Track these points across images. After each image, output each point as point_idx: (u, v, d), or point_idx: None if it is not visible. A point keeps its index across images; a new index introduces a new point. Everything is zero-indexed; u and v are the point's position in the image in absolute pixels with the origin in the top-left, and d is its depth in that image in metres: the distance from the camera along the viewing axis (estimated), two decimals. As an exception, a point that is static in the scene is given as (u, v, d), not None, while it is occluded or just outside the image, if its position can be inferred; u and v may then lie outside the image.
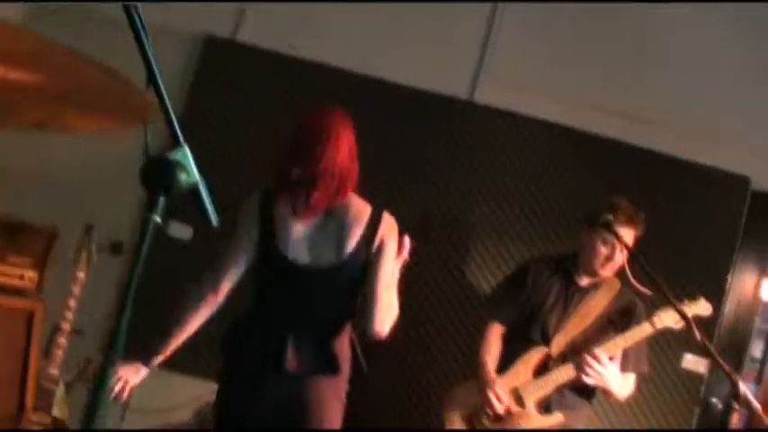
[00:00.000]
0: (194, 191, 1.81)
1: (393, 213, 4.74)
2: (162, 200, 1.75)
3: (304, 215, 3.09)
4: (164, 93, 1.77)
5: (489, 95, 4.97)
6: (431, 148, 4.91)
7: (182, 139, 1.78)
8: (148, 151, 1.77)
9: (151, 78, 1.77)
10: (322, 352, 3.13)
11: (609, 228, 3.69)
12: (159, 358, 3.17)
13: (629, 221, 3.77)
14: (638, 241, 3.86)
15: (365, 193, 4.76)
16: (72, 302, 4.16)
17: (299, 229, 3.10)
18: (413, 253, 3.21)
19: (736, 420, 3.01)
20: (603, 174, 4.80)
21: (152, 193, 1.75)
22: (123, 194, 4.27)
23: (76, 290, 4.18)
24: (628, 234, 3.74)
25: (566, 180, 4.87)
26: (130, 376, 3.10)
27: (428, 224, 4.85)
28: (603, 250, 3.80)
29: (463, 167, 4.88)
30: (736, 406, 2.99)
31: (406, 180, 4.89)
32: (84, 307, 4.23)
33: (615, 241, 3.72)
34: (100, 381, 1.83)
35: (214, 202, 1.85)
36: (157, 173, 1.75)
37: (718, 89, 4.97)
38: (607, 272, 3.84)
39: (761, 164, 4.87)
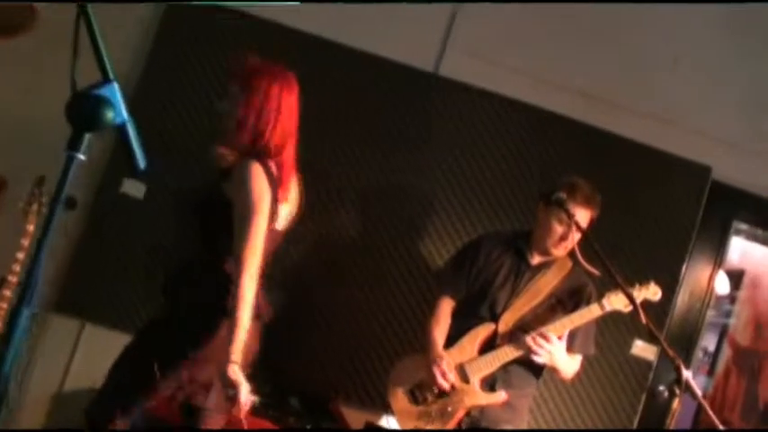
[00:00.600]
0: (121, 130, 1.75)
1: (347, 183, 4.78)
2: (87, 137, 1.69)
3: None
4: (94, 25, 1.70)
5: (454, 69, 4.91)
6: (391, 119, 4.85)
7: (111, 75, 1.72)
8: (75, 86, 1.71)
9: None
10: None
11: (563, 206, 3.66)
12: None
13: (585, 202, 3.75)
14: (593, 223, 3.84)
15: (319, 160, 4.78)
16: (20, 255, 4.08)
17: None
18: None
19: (676, 405, 2.99)
20: (564, 153, 4.78)
21: (76, 130, 1.69)
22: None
23: (25, 242, 4.10)
24: (583, 215, 3.72)
25: (525, 157, 4.83)
26: None
27: (382, 196, 4.81)
28: (558, 229, 3.78)
29: (423, 140, 4.83)
30: (678, 391, 2.98)
31: (363, 149, 4.84)
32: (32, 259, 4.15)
33: (570, 221, 3.69)
34: (12, 329, 1.74)
35: (143, 143, 1.79)
36: (83, 109, 1.69)
37: (685, 78, 4.94)
38: (560, 251, 3.82)
39: (723, 154, 4.86)
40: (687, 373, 2.95)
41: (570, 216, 3.64)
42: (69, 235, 4.75)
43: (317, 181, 4.77)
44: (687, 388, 2.95)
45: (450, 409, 3.75)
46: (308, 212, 4.73)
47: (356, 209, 4.81)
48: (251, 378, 4.34)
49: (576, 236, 3.73)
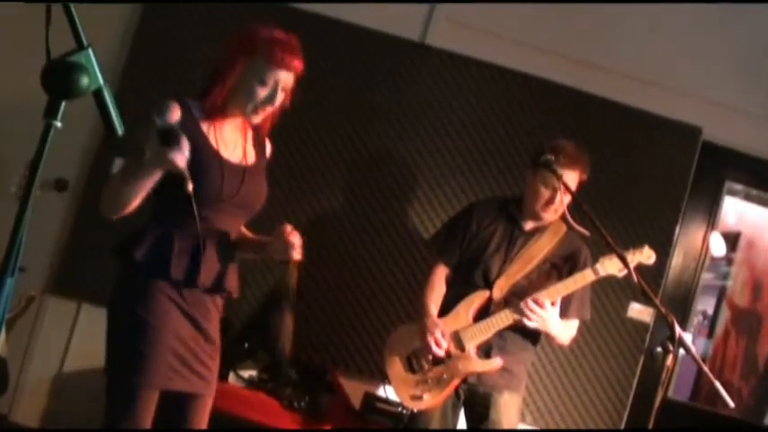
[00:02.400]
0: (98, 96, 1.75)
1: (331, 154, 4.79)
2: (62, 105, 1.69)
3: None
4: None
5: (440, 38, 4.92)
6: (378, 89, 4.87)
7: (85, 41, 1.72)
8: (49, 53, 1.71)
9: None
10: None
11: (549, 168, 3.65)
12: None
13: (572, 163, 3.74)
14: (583, 185, 3.84)
15: (306, 132, 4.80)
16: (15, 239, 4.08)
17: None
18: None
19: (671, 362, 3.01)
20: (553, 118, 4.79)
21: (52, 97, 1.70)
22: (69, 130, 4.18)
23: (19, 226, 4.09)
24: (570, 176, 3.72)
25: (513, 124, 4.85)
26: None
27: (373, 166, 4.84)
28: (544, 192, 3.78)
29: (411, 110, 4.85)
30: (671, 348, 3.00)
31: (350, 120, 4.86)
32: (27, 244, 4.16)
33: (556, 183, 3.68)
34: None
35: (120, 110, 1.80)
36: (58, 76, 1.70)
37: (672, 38, 4.94)
38: (549, 215, 3.82)
39: (714, 114, 4.87)
40: (681, 331, 2.97)
41: (558, 176, 3.64)
42: (63, 217, 4.78)
43: (303, 152, 4.81)
44: (681, 345, 2.97)
45: (446, 376, 3.77)
46: (296, 184, 4.80)
47: (346, 179, 4.83)
48: (247, 353, 4.41)
49: (564, 198, 3.73)
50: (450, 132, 4.84)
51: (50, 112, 1.69)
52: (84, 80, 1.70)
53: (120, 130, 1.80)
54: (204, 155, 2.79)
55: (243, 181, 2.90)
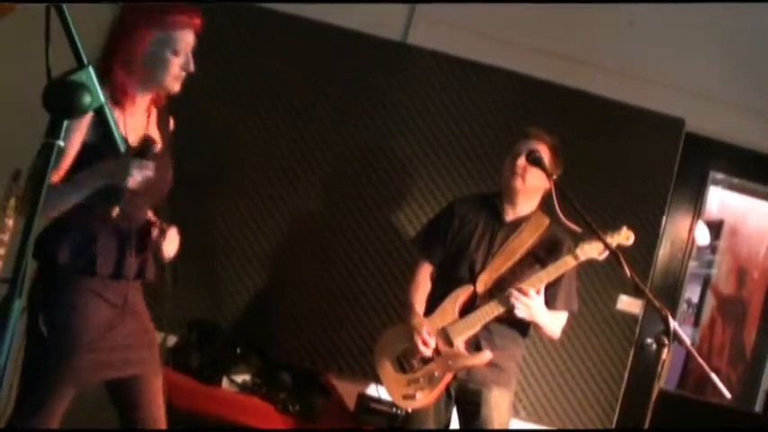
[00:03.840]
0: (99, 114, 1.77)
1: (317, 155, 4.81)
2: (65, 124, 1.70)
3: None
4: (65, 11, 1.72)
5: (422, 37, 4.95)
6: (360, 90, 4.89)
7: (85, 59, 1.74)
8: (50, 73, 1.72)
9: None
10: None
11: (514, 144, 3.87)
12: None
13: (536, 136, 3.89)
14: (555, 162, 3.86)
15: (290, 133, 4.82)
16: (1, 251, 4.07)
17: None
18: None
19: (666, 356, 3.04)
20: (538, 115, 4.81)
21: (54, 116, 1.71)
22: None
23: (5, 238, 4.09)
24: (537, 147, 3.81)
25: (497, 121, 4.88)
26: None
27: (357, 167, 4.86)
28: (509, 165, 3.88)
29: (394, 110, 4.88)
30: (667, 341, 3.03)
31: (333, 122, 4.88)
32: (14, 255, 4.14)
33: (518, 151, 3.84)
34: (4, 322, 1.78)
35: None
36: (59, 95, 1.71)
37: (652, 30, 4.99)
38: (517, 184, 3.84)
39: (696, 105, 4.92)
40: (674, 323, 3.01)
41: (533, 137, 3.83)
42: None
43: (286, 154, 4.82)
44: (675, 337, 3.00)
45: (437, 374, 3.80)
46: (281, 186, 4.81)
47: (331, 180, 4.86)
48: (240, 358, 4.41)
49: (535, 176, 3.79)
50: (435, 131, 4.87)
51: (52, 132, 1.71)
52: (86, 99, 1.72)
53: (122, 147, 1.82)
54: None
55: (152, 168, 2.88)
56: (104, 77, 2.78)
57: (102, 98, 1.75)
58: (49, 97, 1.72)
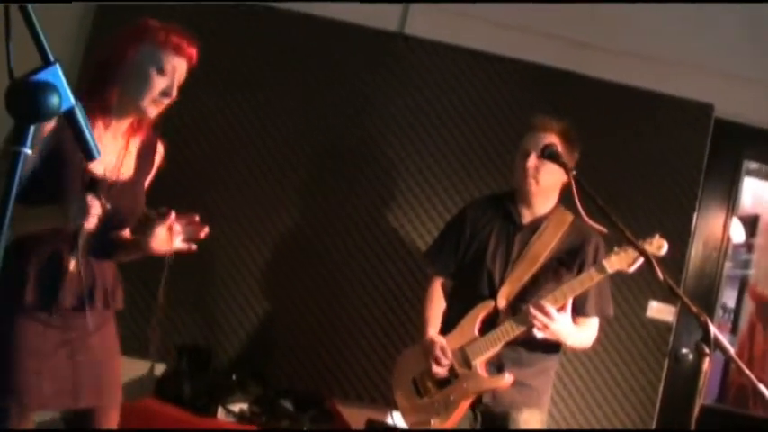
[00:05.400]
0: (70, 117, 1.72)
1: (314, 153, 4.78)
2: (31, 129, 1.65)
3: None
4: (29, 8, 1.67)
5: (419, 26, 4.92)
6: (358, 84, 4.88)
7: (51, 56, 1.68)
8: (13, 72, 1.67)
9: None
10: None
11: (522, 139, 3.80)
12: None
13: (540, 126, 3.80)
14: (570, 150, 3.77)
15: (287, 129, 4.78)
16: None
17: None
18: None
19: (707, 366, 2.97)
20: (550, 106, 4.74)
21: (20, 121, 1.66)
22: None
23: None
24: (542, 138, 3.72)
25: (505, 113, 4.86)
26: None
27: (353, 170, 4.85)
28: (521, 163, 3.79)
29: (393, 104, 4.87)
30: (707, 350, 2.95)
31: (330, 117, 4.87)
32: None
33: (526, 147, 3.76)
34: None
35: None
36: (24, 98, 1.66)
37: (674, 9, 4.92)
38: (531, 185, 3.76)
39: (725, 87, 4.87)
40: (715, 330, 2.93)
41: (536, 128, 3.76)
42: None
43: (277, 157, 4.79)
44: (717, 346, 2.93)
45: (453, 397, 3.74)
46: (273, 192, 4.79)
47: (330, 185, 4.84)
48: (236, 385, 4.38)
49: (539, 163, 3.71)
50: (437, 124, 4.85)
51: (18, 139, 1.65)
52: (54, 100, 1.66)
53: (96, 152, 1.77)
54: (77, 169, 2.77)
55: (121, 199, 2.90)
56: (88, 93, 2.83)
57: (73, 99, 1.70)
58: (12, 100, 1.66)
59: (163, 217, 2.89)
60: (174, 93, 2.89)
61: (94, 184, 2.69)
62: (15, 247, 2.80)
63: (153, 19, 2.93)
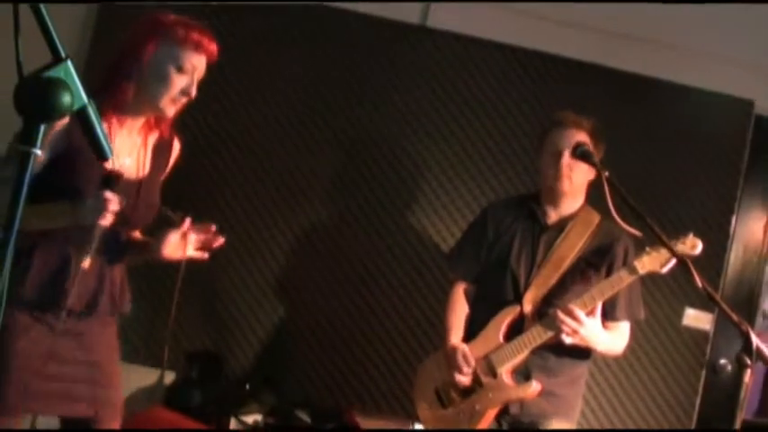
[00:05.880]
0: (82, 116, 1.72)
1: (332, 153, 4.79)
2: (41, 129, 1.65)
3: None
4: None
5: (443, 18, 4.92)
6: (379, 79, 4.89)
7: (63, 52, 1.69)
8: (22, 69, 1.67)
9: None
10: None
11: (548, 134, 3.79)
12: None
13: (568, 122, 3.80)
14: (598, 148, 3.77)
15: (303, 125, 4.79)
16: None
17: None
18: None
19: (749, 379, 2.95)
20: (580, 102, 4.67)
21: (29, 120, 1.66)
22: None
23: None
24: (571, 135, 3.73)
25: (534, 109, 4.85)
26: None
27: (373, 168, 4.85)
28: (549, 159, 3.78)
29: (415, 100, 4.86)
30: (748, 361, 2.93)
31: (351, 113, 4.88)
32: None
33: (560, 143, 3.73)
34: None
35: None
36: (34, 96, 1.66)
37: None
38: (564, 184, 3.75)
39: (766, 84, 4.83)
40: (757, 339, 2.92)
41: (563, 124, 3.74)
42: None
43: (294, 154, 4.80)
44: (759, 356, 2.91)
45: (478, 407, 3.73)
46: (287, 191, 4.79)
47: (346, 187, 4.85)
48: (250, 395, 4.38)
49: (581, 170, 3.71)
50: (461, 122, 4.86)
51: (28, 139, 1.66)
52: (66, 98, 1.66)
53: (109, 152, 1.77)
54: (92, 168, 2.76)
55: (137, 198, 2.92)
56: (104, 90, 2.84)
57: (85, 97, 1.70)
58: (21, 99, 1.66)
59: (179, 222, 2.92)
60: (194, 91, 2.90)
61: (111, 180, 2.69)
62: (19, 245, 2.81)
63: (170, 13, 2.93)
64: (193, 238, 2.93)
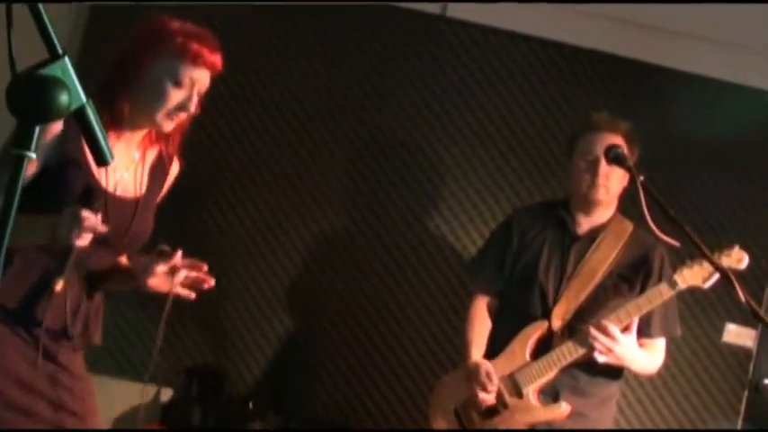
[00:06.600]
0: (80, 117, 1.72)
1: (342, 154, 4.80)
2: (36, 131, 1.65)
3: None
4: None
5: (464, 8, 4.91)
6: (396, 72, 4.91)
7: (60, 49, 1.69)
8: (15, 67, 1.67)
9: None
10: None
11: (580, 138, 3.77)
12: None
13: (607, 128, 3.78)
14: (633, 153, 3.74)
15: (320, 124, 4.80)
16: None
17: None
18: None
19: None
20: (612, 98, 4.77)
21: (23, 121, 1.66)
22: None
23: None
24: (606, 139, 3.71)
25: (561, 107, 4.85)
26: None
27: (387, 169, 4.88)
28: (583, 165, 3.77)
29: (434, 94, 4.88)
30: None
31: (364, 113, 4.91)
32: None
33: (596, 148, 3.70)
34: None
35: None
36: (29, 95, 1.66)
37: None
38: (600, 193, 3.75)
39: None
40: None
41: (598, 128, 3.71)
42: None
43: (303, 155, 4.81)
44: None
45: (501, 429, 3.74)
46: (296, 194, 4.80)
47: (358, 189, 4.88)
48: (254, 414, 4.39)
49: (610, 170, 3.69)
50: (483, 120, 4.89)
51: (22, 142, 1.65)
52: (63, 98, 1.65)
53: (109, 155, 1.77)
54: (86, 181, 2.76)
55: (132, 218, 2.91)
56: (100, 99, 2.75)
57: (84, 96, 1.70)
58: (14, 97, 1.66)
59: (169, 255, 2.88)
60: (193, 106, 2.87)
61: (90, 195, 2.66)
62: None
63: (171, 18, 2.90)
64: (183, 275, 2.90)
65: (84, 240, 2.61)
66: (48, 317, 2.84)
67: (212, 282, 2.92)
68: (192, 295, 2.94)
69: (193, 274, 2.91)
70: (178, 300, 2.95)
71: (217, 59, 2.89)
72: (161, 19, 2.91)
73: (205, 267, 2.91)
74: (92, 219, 2.58)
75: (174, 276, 2.88)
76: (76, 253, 2.71)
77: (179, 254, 2.87)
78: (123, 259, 3.12)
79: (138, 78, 2.83)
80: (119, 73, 2.86)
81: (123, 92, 2.83)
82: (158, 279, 2.91)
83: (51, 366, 2.91)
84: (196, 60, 2.84)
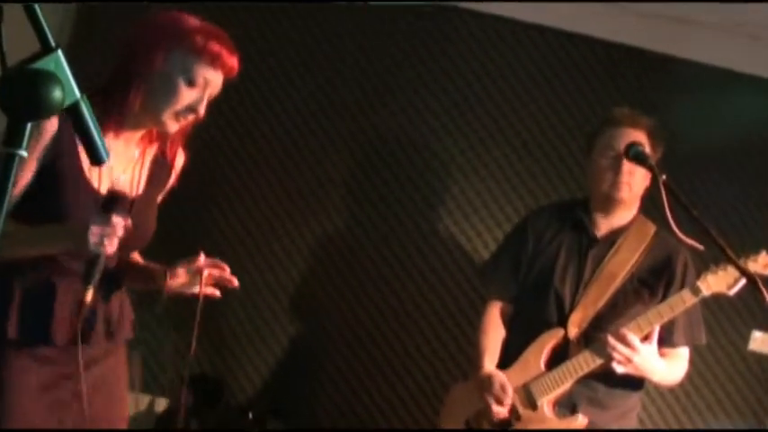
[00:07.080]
0: (74, 114, 1.72)
1: (350, 155, 4.81)
2: (27, 128, 1.65)
3: None
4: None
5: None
6: (404, 66, 4.92)
7: (53, 42, 1.68)
8: (5, 60, 1.67)
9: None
10: None
11: (601, 134, 3.76)
12: None
13: (629, 123, 3.76)
14: (656, 151, 3.74)
15: (324, 119, 4.80)
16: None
17: None
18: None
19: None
20: (631, 92, 4.78)
21: (14, 118, 1.65)
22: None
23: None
24: (627, 136, 3.68)
25: (578, 102, 4.86)
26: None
27: (395, 169, 4.88)
28: (604, 163, 3.74)
29: (443, 89, 4.89)
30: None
31: (372, 104, 4.92)
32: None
33: (617, 147, 3.67)
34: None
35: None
36: (20, 90, 1.65)
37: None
38: (622, 192, 3.73)
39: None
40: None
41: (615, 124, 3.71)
42: None
43: (306, 153, 4.83)
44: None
45: (514, 442, 3.73)
46: (304, 196, 4.81)
47: (364, 189, 4.89)
48: (254, 424, 4.39)
49: (638, 174, 3.68)
50: (496, 117, 4.88)
51: (12, 140, 1.65)
52: (56, 93, 1.65)
53: (105, 154, 1.77)
54: (79, 185, 2.77)
55: (133, 217, 2.84)
56: (116, 92, 2.81)
57: (78, 92, 1.70)
58: (5, 92, 1.66)
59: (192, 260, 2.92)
60: (203, 110, 2.86)
61: (116, 201, 2.67)
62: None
63: (191, 16, 2.87)
64: (206, 274, 2.93)
65: (113, 247, 2.62)
66: (58, 331, 2.84)
67: (236, 282, 2.96)
68: (218, 293, 2.99)
69: (216, 272, 2.94)
70: (169, 306, 2.97)
71: (234, 63, 2.88)
72: (178, 13, 2.89)
73: (227, 267, 2.95)
74: (122, 225, 2.61)
75: (200, 277, 2.93)
76: (104, 261, 2.71)
77: (202, 255, 2.91)
78: (136, 257, 3.15)
79: (148, 71, 2.80)
80: (130, 68, 2.82)
81: (135, 88, 2.80)
82: (181, 280, 2.95)
83: (72, 375, 2.91)
84: (214, 61, 2.82)
